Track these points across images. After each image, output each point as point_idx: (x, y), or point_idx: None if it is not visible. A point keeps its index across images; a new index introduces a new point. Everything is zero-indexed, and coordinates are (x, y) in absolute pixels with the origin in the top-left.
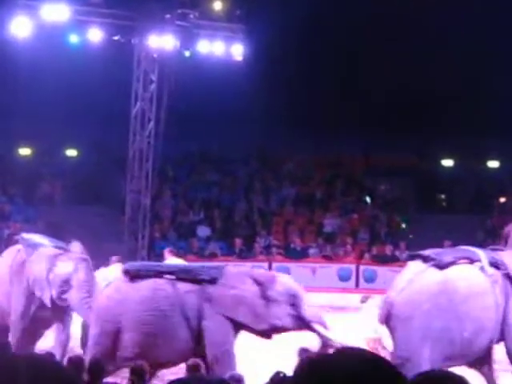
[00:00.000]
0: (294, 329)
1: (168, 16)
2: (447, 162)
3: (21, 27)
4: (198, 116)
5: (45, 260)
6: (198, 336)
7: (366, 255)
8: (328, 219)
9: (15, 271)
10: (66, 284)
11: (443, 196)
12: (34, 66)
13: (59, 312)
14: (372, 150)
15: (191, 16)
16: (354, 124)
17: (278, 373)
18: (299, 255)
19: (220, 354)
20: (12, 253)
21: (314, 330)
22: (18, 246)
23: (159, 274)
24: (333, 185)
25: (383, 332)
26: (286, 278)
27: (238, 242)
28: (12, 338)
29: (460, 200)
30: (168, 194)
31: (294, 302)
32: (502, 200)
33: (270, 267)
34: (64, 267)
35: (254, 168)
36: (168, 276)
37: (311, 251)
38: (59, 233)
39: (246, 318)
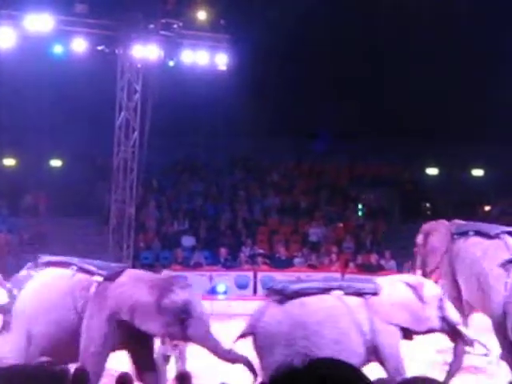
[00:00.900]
0: (440, 330)
1: (152, 26)
2: (432, 171)
3: (4, 38)
4: (183, 126)
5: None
6: (371, 348)
7: (351, 264)
8: (313, 228)
9: (92, 298)
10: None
11: (428, 204)
12: (17, 77)
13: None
14: (356, 159)
15: (175, 26)
16: (339, 133)
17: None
18: (284, 264)
19: (400, 365)
20: (64, 278)
21: (459, 332)
22: (61, 271)
23: (324, 290)
24: (317, 194)
25: None
26: (430, 282)
27: (223, 251)
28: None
29: (444, 208)
30: (153, 204)
31: (440, 304)
32: (487, 208)
33: (255, 276)
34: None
35: (239, 178)
36: (335, 292)
37: (296, 260)
38: (43, 243)
39: (409, 323)
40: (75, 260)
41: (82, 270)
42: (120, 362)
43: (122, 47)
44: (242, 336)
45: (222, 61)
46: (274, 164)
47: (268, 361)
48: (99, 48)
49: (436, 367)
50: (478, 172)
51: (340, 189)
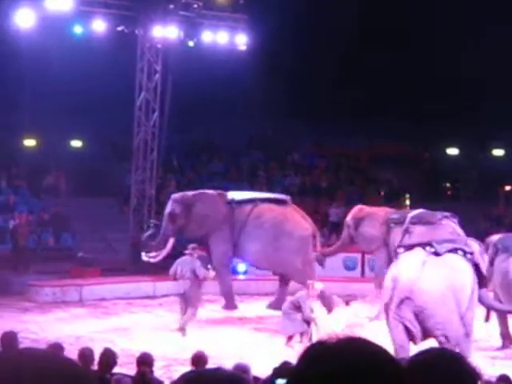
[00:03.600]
0: None
1: (172, 6)
2: (452, 151)
3: (25, 19)
4: (202, 106)
5: None
6: None
7: None
8: (333, 208)
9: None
10: None
11: (448, 184)
12: (38, 58)
13: None
14: (376, 139)
15: (195, 6)
16: (359, 113)
17: (285, 362)
18: None
19: None
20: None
21: None
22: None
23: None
24: (337, 174)
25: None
26: None
27: None
28: None
29: (465, 188)
30: (173, 184)
31: None
32: (507, 188)
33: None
34: None
35: (259, 158)
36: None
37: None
38: (64, 223)
39: None
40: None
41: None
42: (142, 342)
43: (141, 28)
44: (401, 302)
45: (241, 41)
46: (293, 144)
47: (430, 321)
48: (119, 29)
49: None
50: (498, 152)
51: (360, 169)
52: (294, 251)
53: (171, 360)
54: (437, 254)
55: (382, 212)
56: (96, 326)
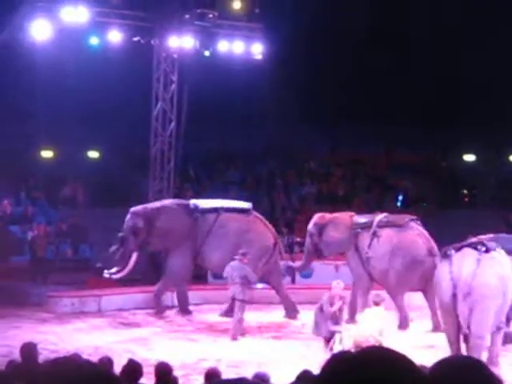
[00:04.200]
0: None
1: (187, 16)
2: (469, 158)
3: (41, 30)
4: (218, 115)
5: None
6: None
7: None
8: None
9: None
10: None
11: (465, 191)
12: (54, 69)
13: None
14: (393, 146)
15: (210, 16)
16: (375, 121)
17: (305, 371)
18: None
19: None
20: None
21: None
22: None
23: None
24: (354, 182)
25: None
26: None
27: None
28: None
29: (482, 195)
30: (190, 193)
31: None
32: None
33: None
34: None
35: (275, 166)
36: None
37: None
38: (82, 234)
39: None
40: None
41: None
42: (160, 352)
43: (157, 38)
44: (462, 298)
45: (257, 50)
46: (310, 152)
47: (483, 315)
48: (135, 39)
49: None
50: None
51: (377, 177)
52: (253, 260)
53: (190, 369)
54: (487, 251)
55: (346, 216)
56: (115, 336)
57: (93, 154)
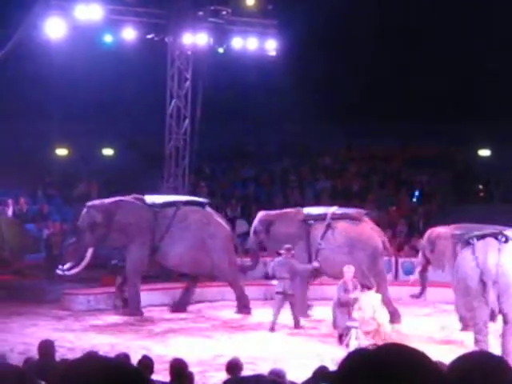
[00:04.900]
0: None
1: (201, 13)
2: (484, 152)
3: (55, 28)
4: (233, 112)
5: None
6: None
7: (406, 247)
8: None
9: None
10: None
11: (480, 186)
12: (69, 67)
13: None
14: (408, 141)
15: (224, 12)
16: (390, 115)
17: (321, 367)
18: None
19: None
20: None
21: None
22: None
23: None
24: (369, 178)
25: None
26: None
27: None
28: None
29: (497, 190)
30: (205, 190)
31: None
32: None
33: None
34: None
35: (290, 162)
36: None
37: None
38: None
39: None
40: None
41: None
42: (177, 349)
43: (171, 35)
44: (482, 282)
45: (271, 46)
46: (324, 148)
47: (509, 301)
48: (149, 36)
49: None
50: None
51: (392, 172)
52: (220, 251)
53: (206, 366)
54: (506, 241)
55: (294, 211)
56: (131, 333)
57: (107, 152)
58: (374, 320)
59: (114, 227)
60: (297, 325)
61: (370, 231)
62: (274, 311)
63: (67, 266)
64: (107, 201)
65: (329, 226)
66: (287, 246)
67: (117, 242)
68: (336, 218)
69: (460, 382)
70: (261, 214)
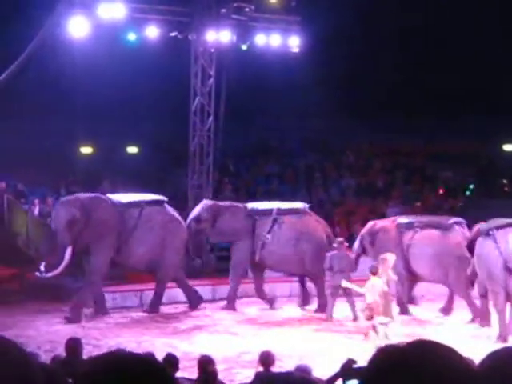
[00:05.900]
0: None
1: (224, 10)
2: (508, 147)
3: (78, 27)
4: (256, 109)
5: None
6: None
7: None
8: (390, 208)
9: None
10: None
11: (505, 181)
12: (92, 65)
13: None
14: (432, 137)
15: (247, 9)
16: (414, 111)
17: (349, 360)
18: None
19: None
20: None
21: None
22: None
23: None
24: (393, 174)
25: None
26: None
27: None
28: None
29: None
30: (229, 187)
31: None
32: None
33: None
34: None
35: (314, 159)
36: None
37: None
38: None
39: None
40: None
41: None
42: (202, 346)
43: (194, 33)
44: (507, 269)
45: (294, 43)
46: (348, 145)
47: None
48: (172, 34)
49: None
50: None
51: (416, 167)
52: (175, 250)
53: (232, 362)
54: None
55: (241, 205)
56: (156, 330)
57: (132, 150)
58: (381, 299)
59: (90, 224)
60: (356, 319)
61: (314, 224)
62: (349, 305)
63: (43, 267)
64: (82, 196)
65: (275, 221)
66: (340, 239)
67: (88, 239)
68: (281, 213)
69: (493, 378)
70: (207, 202)
